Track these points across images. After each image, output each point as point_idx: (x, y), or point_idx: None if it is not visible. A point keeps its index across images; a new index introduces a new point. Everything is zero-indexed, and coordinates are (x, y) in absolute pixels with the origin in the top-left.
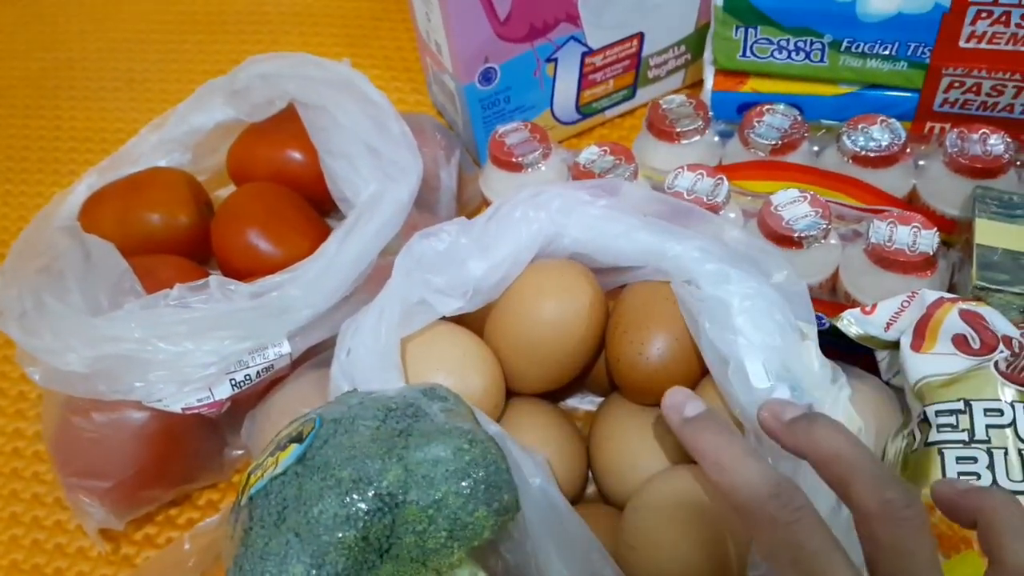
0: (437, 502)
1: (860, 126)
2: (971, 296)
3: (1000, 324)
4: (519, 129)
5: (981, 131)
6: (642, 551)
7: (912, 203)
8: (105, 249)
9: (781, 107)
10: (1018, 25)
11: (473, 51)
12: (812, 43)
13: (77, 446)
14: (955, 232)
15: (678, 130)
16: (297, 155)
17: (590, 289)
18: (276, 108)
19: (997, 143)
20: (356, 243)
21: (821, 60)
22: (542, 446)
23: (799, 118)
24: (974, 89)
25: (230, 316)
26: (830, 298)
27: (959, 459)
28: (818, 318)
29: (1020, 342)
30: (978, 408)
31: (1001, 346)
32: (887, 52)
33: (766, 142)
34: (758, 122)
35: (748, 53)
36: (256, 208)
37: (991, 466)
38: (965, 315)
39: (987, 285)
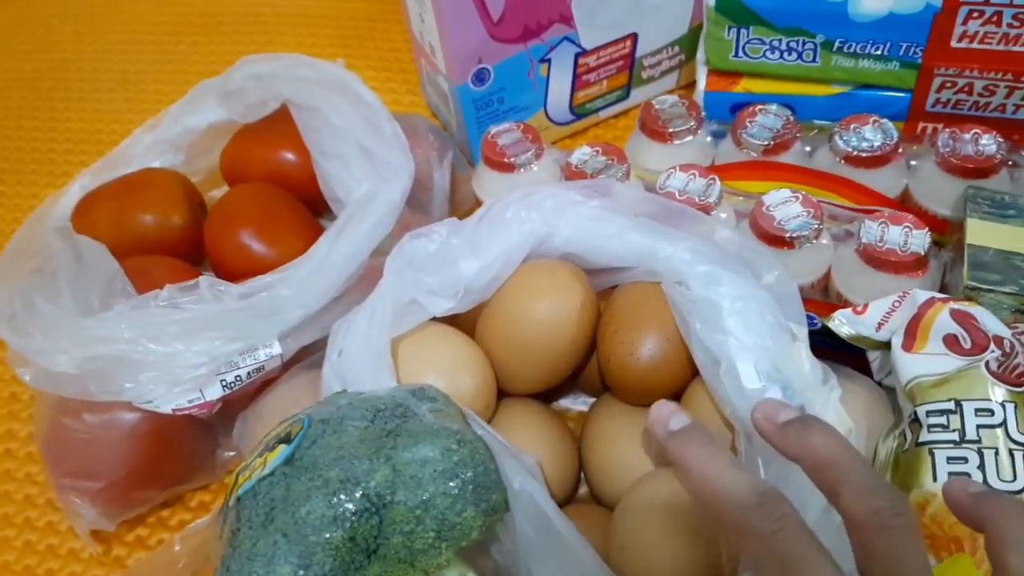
0: (425, 502)
1: (852, 126)
2: (962, 296)
3: (991, 324)
4: (511, 130)
5: (973, 131)
6: (632, 552)
7: (904, 203)
8: (97, 250)
9: (773, 107)
10: (1009, 25)
11: (466, 52)
12: (804, 43)
13: (68, 447)
14: (947, 232)
15: (671, 130)
16: (290, 156)
17: (582, 289)
18: (269, 109)
19: (989, 143)
20: (347, 243)
21: (813, 60)
22: (534, 447)
23: (791, 118)
24: (966, 89)
25: (220, 317)
26: (822, 298)
27: (950, 459)
28: (810, 318)
29: (1011, 342)
30: (969, 408)
31: (992, 346)
32: (879, 52)
33: (758, 142)
34: (750, 122)
35: (740, 53)
36: (249, 209)
37: (982, 466)
38: (956, 315)
39: (978, 285)
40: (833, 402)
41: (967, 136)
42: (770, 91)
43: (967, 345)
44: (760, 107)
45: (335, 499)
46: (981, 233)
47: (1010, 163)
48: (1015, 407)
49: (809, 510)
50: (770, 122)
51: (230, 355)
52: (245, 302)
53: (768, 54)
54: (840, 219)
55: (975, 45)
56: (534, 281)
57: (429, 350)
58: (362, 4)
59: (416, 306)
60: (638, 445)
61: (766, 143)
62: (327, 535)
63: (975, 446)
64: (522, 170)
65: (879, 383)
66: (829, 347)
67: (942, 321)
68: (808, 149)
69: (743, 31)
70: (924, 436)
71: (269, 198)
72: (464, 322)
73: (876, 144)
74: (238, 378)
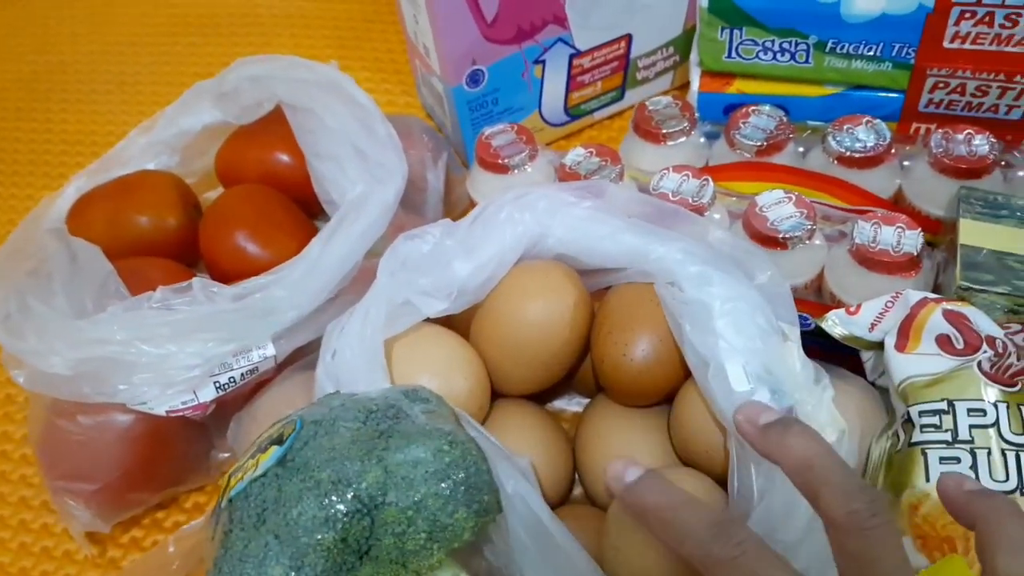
0: (416, 503)
1: (845, 127)
2: (955, 296)
3: (984, 324)
4: (505, 131)
5: (966, 131)
6: (626, 552)
7: (898, 204)
8: (91, 252)
9: (767, 108)
10: (1002, 26)
11: (460, 53)
12: (797, 44)
13: (63, 449)
14: (940, 232)
15: (664, 131)
16: (285, 157)
17: (575, 290)
18: (264, 110)
19: (982, 143)
20: (341, 244)
21: (806, 61)
22: (528, 448)
23: (785, 119)
24: (959, 89)
25: (213, 318)
26: (815, 299)
27: (942, 459)
28: (803, 319)
29: (1004, 342)
30: (961, 408)
31: (985, 346)
32: (872, 53)
33: (752, 143)
34: (744, 123)
35: (733, 54)
36: (244, 210)
37: (974, 466)
38: (949, 315)
39: (971, 285)
40: (826, 402)
41: (960, 136)
42: (763, 92)
43: (960, 345)
44: (753, 108)
45: (327, 500)
46: (974, 233)
47: (1003, 163)
48: (1008, 407)
49: (799, 513)
50: (763, 123)
51: (223, 356)
52: (238, 303)
53: (761, 55)
54: (833, 219)
55: (967, 46)
56: (527, 282)
57: (423, 351)
58: (358, 5)
59: (410, 307)
60: (632, 446)
61: (759, 144)
62: (319, 536)
63: (968, 446)
64: (516, 171)
65: (872, 383)
66: (822, 347)
67: (935, 321)
68: (801, 150)
69: (736, 32)
70: (917, 436)
71: (264, 200)
72: (458, 323)
73: (869, 145)
74: (232, 380)
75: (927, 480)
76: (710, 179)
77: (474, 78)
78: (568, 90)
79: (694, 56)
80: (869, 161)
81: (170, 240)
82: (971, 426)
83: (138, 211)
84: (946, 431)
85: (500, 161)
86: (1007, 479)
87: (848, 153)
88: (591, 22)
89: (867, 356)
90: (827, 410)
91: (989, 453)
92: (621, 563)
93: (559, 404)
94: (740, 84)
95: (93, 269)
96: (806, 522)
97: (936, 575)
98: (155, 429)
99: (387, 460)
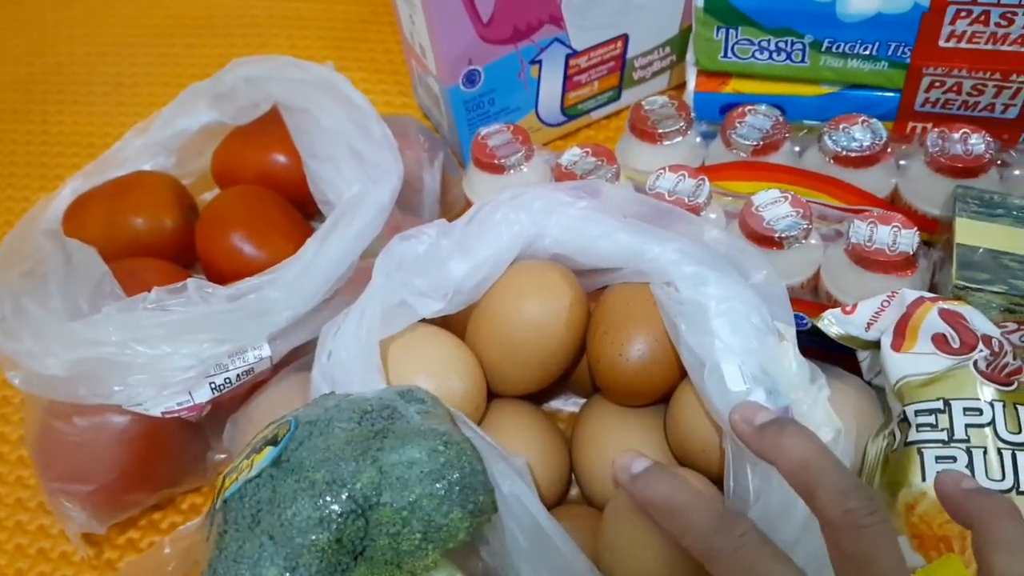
0: (411, 504)
1: (841, 126)
2: (951, 295)
3: (980, 323)
4: (501, 131)
5: (962, 130)
6: (622, 553)
7: (894, 203)
8: (86, 253)
9: (763, 108)
10: (997, 24)
11: (456, 53)
12: (793, 43)
13: (59, 450)
14: (936, 231)
15: (660, 131)
16: (281, 158)
17: (571, 290)
18: (260, 111)
19: (978, 142)
20: (336, 245)
21: (802, 60)
22: (524, 448)
23: (781, 119)
24: (955, 88)
25: (208, 319)
26: (812, 298)
27: (938, 459)
28: (800, 318)
29: (1000, 341)
30: (957, 407)
31: (980, 345)
32: (868, 52)
33: (748, 143)
34: (740, 123)
35: (729, 54)
36: (240, 211)
37: (970, 465)
38: (945, 314)
39: (967, 284)
40: (822, 402)
41: (956, 135)
42: (759, 91)
43: (956, 344)
44: (749, 107)
45: (321, 501)
46: (970, 232)
47: (999, 162)
48: (1003, 406)
49: (796, 513)
50: (759, 122)
51: (219, 357)
52: (233, 304)
53: (757, 54)
54: (829, 219)
55: (963, 44)
56: (523, 282)
57: (418, 352)
58: (355, 6)
59: (405, 308)
60: (628, 446)
61: (755, 143)
62: (313, 537)
63: (964, 445)
64: (512, 171)
65: (868, 383)
66: (819, 347)
67: (931, 320)
68: (797, 149)
69: (732, 32)
70: (913, 435)
71: (260, 201)
72: (454, 324)
73: (865, 144)
74: (227, 380)
75: (923, 479)
76: (706, 179)
77: (470, 78)
78: (564, 90)
79: (690, 56)
80: (865, 160)
81: (166, 241)
82: (967, 425)
83: (134, 212)
84: (942, 430)
85: (496, 161)
86: (1003, 478)
87: (844, 152)
88: (587, 22)
89: (863, 355)
90: (823, 410)
91: (985, 452)
92: (616, 564)
93: (555, 404)
94: (736, 84)
95: (89, 270)
96: (802, 522)
97: (932, 574)
98: (151, 430)
99: (382, 460)
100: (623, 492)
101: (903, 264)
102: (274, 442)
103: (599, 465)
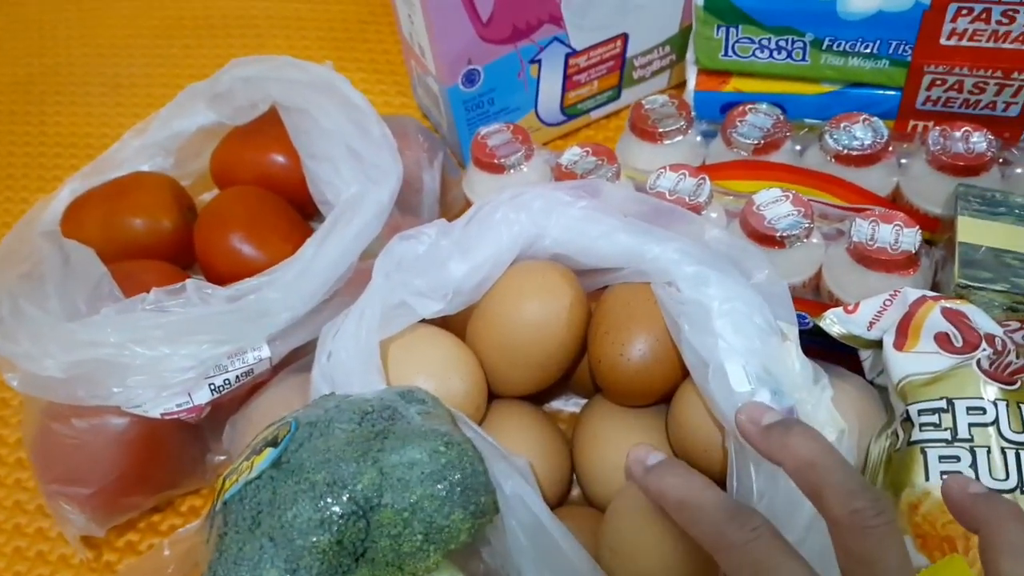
0: (412, 505)
1: (843, 125)
2: (954, 294)
3: (983, 322)
4: (501, 131)
5: (963, 129)
6: (623, 554)
7: (896, 202)
8: (84, 254)
9: (764, 106)
10: (999, 22)
11: (456, 53)
12: (794, 42)
13: (58, 452)
14: (938, 230)
15: (660, 130)
16: (280, 158)
17: (571, 290)
18: (259, 111)
19: (980, 140)
20: (335, 246)
21: (803, 59)
22: (525, 449)
23: (782, 117)
24: (956, 87)
25: (207, 320)
26: (813, 297)
27: (942, 458)
28: (801, 317)
29: (1003, 340)
30: (960, 407)
31: (984, 344)
32: (869, 50)
33: (749, 142)
34: (741, 122)
35: (730, 52)
36: (239, 212)
37: (974, 465)
38: (947, 313)
39: (969, 283)
40: (824, 401)
41: (957, 134)
42: (760, 90)
43: (959, 343)
44: (750, 106)
45: (322, 502)
46: (972, 231)
47: (1001, 160)
48: (1007, 405)
49: (800, 512)
50: (760, 121)
51: (218, 358)
52: (232, 305)
53: (757, 53)
54: (831, 218)
55: (964, 43)
56: (523, 282)
57: (419, 352)
58: (353, 6)
59: (405, 308)
60: (629, 446)
61: (756, 142)
62: (314, 539)
63: (967, 444)
64: (512, 171)
65: (871, 382)
66: (821, 346)
67: (933, 319)
68: (798, 148)
69: (732, 30)
70: (916, 435)
71: (259, 201)
72: (454, 324)
73: (866, 142)
74: (227, 382)
75: (927, 479)
76: (707, 178)
77: (470, 78)
78: (564, 89)
79: (690, 55)
80: (866, 159)
81: (165, 242)
82: (970, 424)
83: (132, 213)
84: (945, 430)
85: (496, 161)
86: (1007, 478)
87: (845, 151)
88: (587, 21)
89: (865, 355)
90: (827, 410)
91: (989, 452)
92: (618, 564)
93: (556, 405)
94: (737, 82)
95: (87, 271)
96: (807, 521)
97: (936, 575)
98: (150, 432)
99: (383, 462)
100: (625, 493)
101: (905, 263)
102: (274, 443)
103: (600, 466)
